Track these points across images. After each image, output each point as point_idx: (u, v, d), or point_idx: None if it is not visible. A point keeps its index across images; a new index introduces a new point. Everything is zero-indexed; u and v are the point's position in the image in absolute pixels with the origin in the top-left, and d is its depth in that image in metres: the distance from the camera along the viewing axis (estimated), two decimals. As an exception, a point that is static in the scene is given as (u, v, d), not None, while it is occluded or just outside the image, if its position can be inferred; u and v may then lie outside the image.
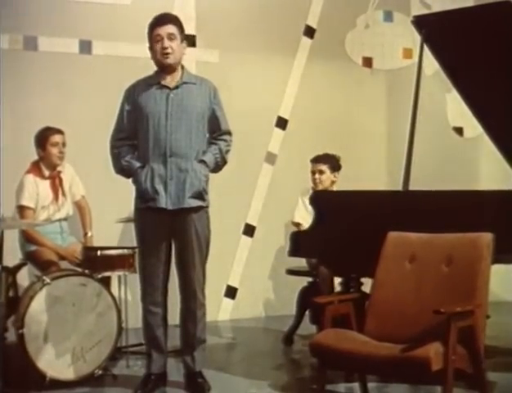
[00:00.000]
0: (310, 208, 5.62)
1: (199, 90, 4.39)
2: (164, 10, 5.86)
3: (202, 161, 4.36)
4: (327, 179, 5.89)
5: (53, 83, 6.14)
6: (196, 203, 4.34)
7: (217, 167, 4.47)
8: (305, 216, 5.79)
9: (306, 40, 7.10)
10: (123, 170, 4.45)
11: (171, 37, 4.31)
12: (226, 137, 4.49)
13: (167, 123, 4.29)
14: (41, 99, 6.06)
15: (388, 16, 7.41)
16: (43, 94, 6.09)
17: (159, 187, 4.28)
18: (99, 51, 6.31)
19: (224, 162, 4.50)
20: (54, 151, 5.24)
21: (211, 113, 4.41)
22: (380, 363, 3.41)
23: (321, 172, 5.89)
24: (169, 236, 4.39)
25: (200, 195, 4.35)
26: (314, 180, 5.91)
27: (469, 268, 3.61)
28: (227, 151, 4.50)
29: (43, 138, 5.25)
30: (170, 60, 4.32)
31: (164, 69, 4.35)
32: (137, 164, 4.35)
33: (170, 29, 4.32)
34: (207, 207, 4.43)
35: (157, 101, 4.32)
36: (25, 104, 6.00)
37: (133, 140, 4.42)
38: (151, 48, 4.36)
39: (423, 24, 4.95)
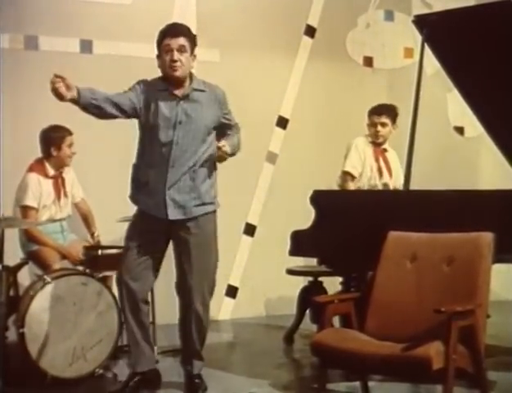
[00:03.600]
0: (364, 155, 5.57)
1: (208, 98, 4.30)
2: (165, 10, 5.93)
3: (222, 144, 4.22)
4: (388, 132, 5.70)
5: (54, 83, 6.13)
6: (200, 211, 4.28)
7: (235, 150, 4.37)
8: (357, 165, 5.63)
9: (307, 40, 7.10)
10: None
11: (181, 49, 4.20)
12: (233, 129, 4.43)
13: (174, 132, 4.21)
14: (41, 99, 6.01)
15: (389, 16, 7.41)
16: (44, 94, 6.03)
17: (158, 197, 4.22)
18: (100, 50, 6.31)
19: (239, 148, 4.42)
20: (69, 152, 5.24)
21: (221, 120, 4.35)
22: (381, 363, 3.42)
23: (384, 125, 5.67)
24: (165, 244, 4.35)
25: (203, 203, 4.29)
26: (376, 133, 5.68)
27: (470, 268, 3.61)
28: (238, 144, 4.43)
29: (59, 138, 5.22)
30: (178, 73, 4.21)
31: (173, 80, 4.26)
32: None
33: (181, 41, 4.21)
34: (214, 211, 4.37)
35: (166, 110, 4.23)
36: (26, 103, 5.99)
37: (120, 108, 4.20)
38: (159, 57, 4.26)
39: (424, 23, 4.95)
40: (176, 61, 4.19)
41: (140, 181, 4.29)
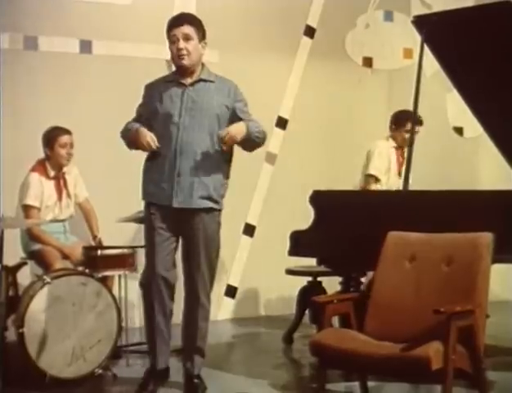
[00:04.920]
0: (388, 159, 5.65)
1: (217, 89, 4.30)
2: (165, 10, 5.93)
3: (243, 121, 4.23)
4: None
5: (53, 83, 6.14)
6: (205, 204, 4.25)
7: (256, 138, 4.30)
8: (381, 168, 5.71)
9: (306, 40, 7.10)
10: (124, 134, 4.35)
11: (187, 37, 4.22)
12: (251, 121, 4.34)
13: (180, 120, 4.21)
14: (41, 99, 6.06)
15: (389, 16, 7.42)
16: (43, 94, 6.09)
17: (167, 185, 4.21)
18: (99, 50, 6.31)
19: (263, 139, 4.35)
20: (62, 151, 5.24)
21: (232, 113, 4.30)
22: (380, 363, 3.42)
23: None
24: (176, 230, 4.32)
25: (210, 196, 4.26)
26: (405, 139, 5.74)
27: (469, 268, 3.61)
28: (264, 133, 4.36)
29: (52, 138, 5.24)
30: (185, 61, 4.23)
31: (182, 71, 4.29)
32: (137, 124, 4.26)
33: (186, 29, 4.23)
34: (219, 210, 4.34)
35: (173, 98, 4.25)
36: (25, 104, 6.00)
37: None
38: (170, 48, 4.30)
39: (423, 24, 4.95)
40: (181, 50, 4.22)
41: (152, 173, 4.28)
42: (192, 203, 4.23)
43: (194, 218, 4.26)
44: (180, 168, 4.21)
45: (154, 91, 4.34)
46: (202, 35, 4.31)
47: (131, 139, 4.31)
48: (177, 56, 4.25)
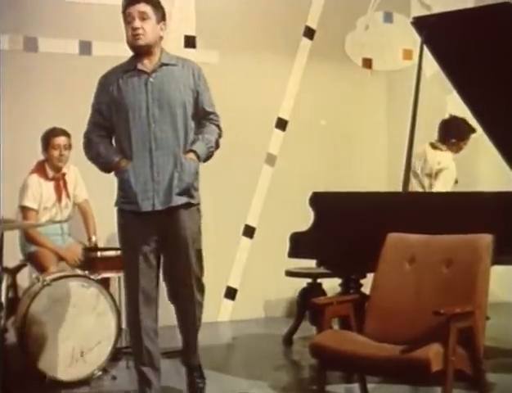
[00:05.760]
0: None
1: (180, 72, 4.01)
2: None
3: (192, 151, 4.00)
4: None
5: (53, 84, 6.14)
6: (184, 200, 3.97)
7: (210, 156, 4.11)
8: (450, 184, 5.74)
9: (306, 41, 7.10)
10: (97, 162, 4.08)
11: (143, 16, 3.91)
12: (211, 116, 4.11)
13: (148, 113, 3.92)
14: (41, 100, 6.06)
15: (388, 17, 7.42)
16: (43, 95, 6.09)
17: (146, 187, 3.93)
18: (99, 52, 6.31)
19: (217, 147, 4.12)
20: (55, 153, 5.25)
21: (196, 96, 4.03)
22: (380, 364, 3.41)
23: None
24: (158, 237, 4.04)
25: (188, 191, 3.98)
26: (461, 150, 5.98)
27: (469, 270, 3.61)
28: (219, 135, 4.13)
29: (47, 140, 5.27)
30: (141, 41, 3.92)
31: (138, 52, 3.98)
32: (116, 158, 3.98)
33: (142, 7, 3.91)
34: (198, 204, 4.10)
35: (135, 89, 3.94)
36: (25, 105, 6.00)
37: (111, 134, 4.06)
38: (125, 30, 3.97)
39: (423, 25, 4.96)
40: (137, 29, 3.91)
41: (127, 178, 3.97)
42: (172, 201, 3.95)
43: (176, 217, 4.00)
44: (158, 165, 3.94)
45: (111, 84, 4.00)
46: (161, 16, 4.01)
47: (108, 169, 4.09)
48: (131, 37, 3.94)
